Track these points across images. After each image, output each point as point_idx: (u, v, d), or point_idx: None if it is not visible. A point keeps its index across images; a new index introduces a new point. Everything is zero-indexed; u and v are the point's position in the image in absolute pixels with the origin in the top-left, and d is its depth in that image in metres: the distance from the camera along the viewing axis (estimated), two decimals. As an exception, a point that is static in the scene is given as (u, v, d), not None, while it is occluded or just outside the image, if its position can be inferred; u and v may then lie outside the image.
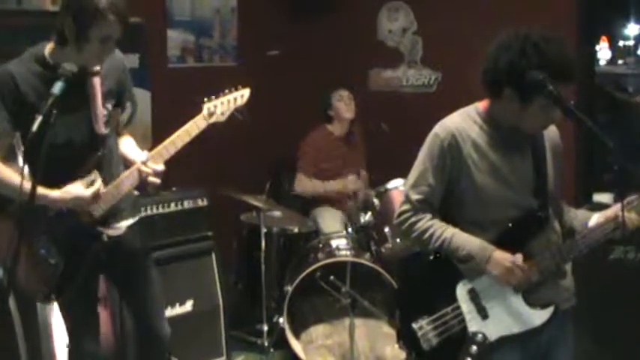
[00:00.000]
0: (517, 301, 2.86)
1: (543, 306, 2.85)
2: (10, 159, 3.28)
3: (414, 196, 2.93)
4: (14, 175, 3.12)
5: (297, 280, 4.75)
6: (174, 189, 4.83)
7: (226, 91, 3.27)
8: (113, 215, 3.35)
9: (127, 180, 3.29)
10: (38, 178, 2.78)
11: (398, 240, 4.76)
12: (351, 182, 5.58)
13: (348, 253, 4.87)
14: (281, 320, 4.93)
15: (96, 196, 3.21)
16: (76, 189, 3.17)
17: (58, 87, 2.88)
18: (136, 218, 3.51)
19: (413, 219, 2.94)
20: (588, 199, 4.85)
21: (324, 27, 6.69)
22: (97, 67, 3.24)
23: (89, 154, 3.26)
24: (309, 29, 6.74)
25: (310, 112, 5.95)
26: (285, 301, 4.84)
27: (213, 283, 4.83)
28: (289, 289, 4.80)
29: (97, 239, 3.29)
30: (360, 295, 4.54)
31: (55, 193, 3.14)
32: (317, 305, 4.99)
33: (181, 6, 5.98)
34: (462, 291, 2.91)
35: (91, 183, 3.22)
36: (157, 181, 3.16)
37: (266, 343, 5.02)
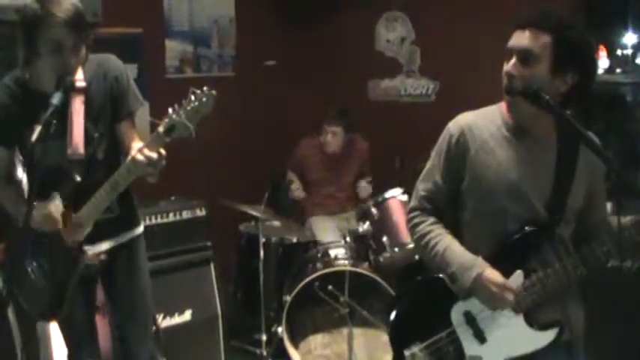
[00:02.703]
0: (518, 323, 2.70)
1: (547, 327, 2.70)
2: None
3: (421, 192, 2.86)
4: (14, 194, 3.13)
5: (295, 290, 4.75)
6: (173, 199, 4.84)
7: (190, 97, 2.81)
8: (92, 237, 3.18)
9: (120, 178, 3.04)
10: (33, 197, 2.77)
11: (396, 249, 4.76)
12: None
13: (347, 262, 4.87)
14: (280, 330, 4.92)
15: (67, 219, 3.10)
16: (46, 209, 3.09)
17: (57, 97, 2.87)
18: (117, 242, 3.34)
19: (417, 219, 2.86)
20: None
21: (322, 37, 6.71)
22: (81, 84, 3.11)
23: (64, 180, 3.12)
24: (307, 40, 6.76)
25: (308, 122, 5.96)
26: (283, 311, 4.83)
27: (212, 292, 4.83)
28: (288, 298, 4.80)
29: (78, 261, 3.16)
30: (359, 305, 4.54)
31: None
32: (315, 315, 4.99)
33: (180, 16, 5.99)
34: (457, 314, 2.76)
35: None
36: (152, 169, 2.89)
37: (265, 353, 5.01)
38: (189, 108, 2.78)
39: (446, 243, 2.77)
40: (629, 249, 2.64)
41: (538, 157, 2.70)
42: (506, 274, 2.69)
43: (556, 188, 2.68)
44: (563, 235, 2.74)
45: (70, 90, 3.05)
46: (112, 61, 3.26)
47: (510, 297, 2.65)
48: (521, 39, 2.61)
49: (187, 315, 4.68)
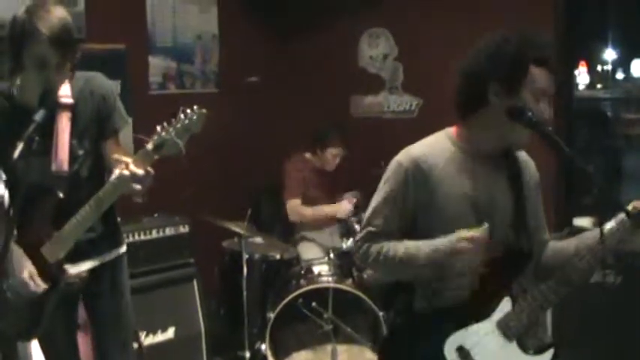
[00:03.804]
0: (513, 351, 2.61)
1: (543, 349, 2.64)
2: None
3: (371, 228, 2.75)
4: None
5: (279, 307, 4.74)
6: (156, 215, 4.82)
7: (180, 116, 2.78)
8: (74, 257, 3.13)
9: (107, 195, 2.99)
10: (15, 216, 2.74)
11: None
12: (345, 205, 5.57)
13: (330, 279, 4.87)
14: (263, 347, 4.91)
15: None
16: (25, 275, 3.01)
17: (40, 114, 2.85)
18: (100, 261, 3.30)
19: (365, 246, 2.77)
20: (568, 223, 4.88)
21: (305, 54, 6.72)
22: (68, 101, 3.08)
23: (49, 196, 3.07)
24: (290, 56, 6.77)
25: (291, 138, 5.96)
26: (267, 328, 4.82)
27: (195, 309, 4.82)
28: (271, 315, 4.79)
29: (59, 279, 3.09)
30: (342, 321, 4.54)
31: (15, 259, 3.02)
32: (299, 331, 4.98)
33: (163, 32, 5.99)
34: (450, 352, 2.63)
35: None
36: (138, 187, 2.81)
37: (248, 370, 5.00)
38: (178, 126, 2.76)
39: (401, 244, 2.69)
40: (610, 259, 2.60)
41: (493, 178, 2.70)
42: (495, 303, 2.64)
43: (515, 209, 2.69)
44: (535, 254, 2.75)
45: (54, 107, 3.02)
46: (100, 79, 3.24)
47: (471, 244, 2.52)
48: (547, 80, 2.61)
49: (170, 332, 4.67)
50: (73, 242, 3.08)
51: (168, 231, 4.75)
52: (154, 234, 4.65)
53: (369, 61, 6.50)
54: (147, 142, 2.80)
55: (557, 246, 2.86)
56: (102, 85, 3.22)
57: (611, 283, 3.54)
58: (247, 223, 5.06)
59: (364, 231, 2.78)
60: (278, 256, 5.37)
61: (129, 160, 2.83)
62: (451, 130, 2.78)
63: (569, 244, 2.78)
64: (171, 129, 2.76)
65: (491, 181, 2.70)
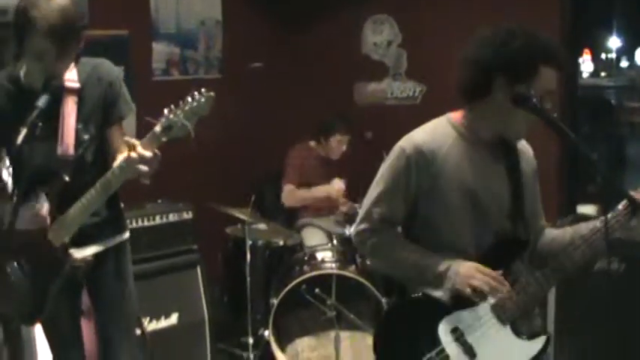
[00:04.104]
0: (505, 334, 2.64)
1: (535, 334, 2.67)
2: None
3: (375, 215, 2.75)
4: None
5: (282, 293, 4.75)
6: (159, 202, 4.82)
7: (187, 99, 2.81)
8: (79, 241, 3.16)
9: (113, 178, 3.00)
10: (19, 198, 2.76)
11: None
12: (336, 184, 5.58)
13: (334, 265, 4.87)
14: (266, 333, 4.91)
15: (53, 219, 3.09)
16: (34, 208, 3.07)
17: (43, 100, 2.86)
18: (105, 246, 3.30)
19: (374, 239, 2.77)
20: (572, 211, 4.88)
21: (308, 40, 6.71)
22: (74, 85, 3.09)
23: (54, 179, 3.08)
24: (294, 42, 6.76)
25: (295, 124, 5.97)
26: (270, 314, 4.82)
27: (198, 295, 4.82)
28: (275, 301, 4.79)
29: (63, 263, 3.12)
30: (346, 308, 4.54)
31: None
32: (302, 318, 4.99)
33: (166, 18, 5.98)
34: (444, 333, 2.66)
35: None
36: (145, 168, 2.83)
37: (251, 356, 5.00)
38: (186, 108, 2.77)
39: (416, 252, 2.72)
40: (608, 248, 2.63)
41: (492, 167, 2.72)
42: None
43: (513, 196, 2.72)
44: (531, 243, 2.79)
45: (60, 91, 3.03)
46: (107, 65, 3.24)
47: (485, 278, 2.59)
48: (554, 80, 2.63)
49: (174, 318, 4.67)
50: (78, 226, 3.09)
51: (172, 217, 4.74)
52: (158, 220, 4.65)
53: (373, 48, 6.49)
54: (155, 125, 2.81)
55: (554, 233, 2.90)
56: (109, 72, 3.21)
57: (615, 271, 3.54)
58: (251, 210, 5.06)
59: (368, 218, 2.77)
60: (281, 243, 5.37)
61: (137, 142, 2.84)
62: (452, 116, 2.78)
63: (565, 232, 2.83)
64: (179, 111, 2.77)
65: (489, 170, 2.72)
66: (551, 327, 4.26)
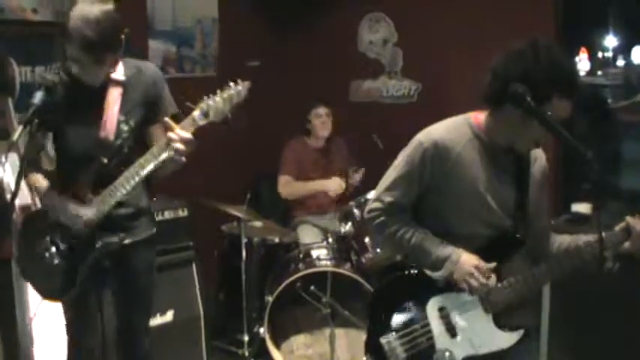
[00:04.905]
0: (487, 323, 2.85)
1: (512, 328, 2.86)
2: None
3: (387, 198, 2.93)
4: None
5: (277, 290, 4.76)
6: (155, 199, 4.82)
7: (224, 88, 3.13)
8: (110, 228, 3.30)
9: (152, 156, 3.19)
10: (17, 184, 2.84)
11: (378, 250, 4.77)
12: (336, 182, 5.58)
13: (329, 263, 4.88)
14: (262, 330, 4.93)
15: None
16: (73, 209, 3.21)
17: (38, 97, 2.92)
18: (134, 238, 3.43)
19: (384, 217, 2.94)
20: (567, 209, 4.88)
21: (305, 38, 6.72)
22: (120, 77, 3.26)
23: (94, 163, 3.24)
24: (290, 40, 6.77)
25: (291, 122, 5.96)
26: (265, 311, 4.84)
27: (193, 293, 4.82)
28: (270, 299, 4.80)
29: (94, 247, 3.27)
30: (341, 305, 4.55)
31: (59, 202, 3.25)
32: (297, 315, 5.00)
33: (163, 16, 5.98)
34: (432, 309, 2.89)
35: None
36: (182, 147, 3.07)
37: (247, 354, 5.02)
38: (225, 95, 3.08)
39: (422, 234, 2.90)
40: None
41: (502, 170, 2.86)
42: None
43: (518, 198, 2.87)
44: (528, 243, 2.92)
45: (106, 82, 3.23)
46: (152, 66, 3.48)
47: (482, 279, 2.78)
48: (566, 110, 2.71)
49: (169, 315, 4.67)
50: (112, 204, 3.24)
51: (168, 214, 4.75)
52: (153, 217, 4.65)
53: (369, 46, 6.50)
54: (193, 110, 3.07)
55: (557, 239, 3.03)
56: (154, 72, 3.43)
57: (609, 270, 3.57)
58: (246, 207, 5.07)
59: (382, 200, 2.94)
60: (277, 240, 5.39)
61: (174, 126, 3.08)
62: (472, 117, 2.90)
63: (564, 240, 3.00)
64: (217, 97, 3.07)
65: (499, 173, 2.86)
66: (545, 322, 4.29)
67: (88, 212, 3.20)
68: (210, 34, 6.37)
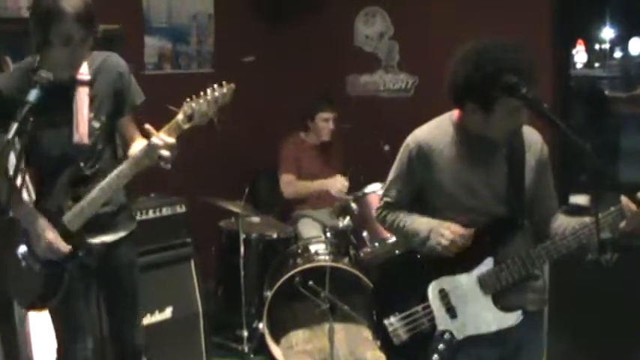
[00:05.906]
0: (486, 303, 2.95)
1: (511, 309, 2.94)
2: None
3: (386, 199, 3.19)
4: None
5: (276, 286, 4.76)
6: (152, 195, 4.82)
7: (208, 90, 3.06)
8: (91, 229, 3.28)
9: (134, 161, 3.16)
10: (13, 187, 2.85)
11: (376, 244, 4.77)
12: (339, 181, 5.56)
13: (327, 257, 4.88)
14: (261, 326, 4.93)
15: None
16: (49, 238, 3.16)
17: (33, 94, 2.90)
18: (117, 235, 3.43)
19: (385, 212, 3.20)
20: (564, 201, 4.88)
21: (301, 33, 6.70)
22: (85, 77, 3.23)
23: (69, 166, 3.22)
24: (286, 35, 6.76)
25: (288, 118, 5.96)
26: (264, 307, 4.84)
27: (192, 289, 4.82)
28: (268, 294, 4.80)
29: (78, 248, 3.23)
30: (340, 300, 4.55)
31: (36, 226, 3.18)
32: (296, 310, 5.00)
33: (158, 12, 5.96)
34: (433, 291, 3.02)
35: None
36: (167, 153, 3.04)
37: (246, 349, 5.02)
38: (208, 97, 3.03)
39: (412, 217, 3.09)
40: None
41: (489, 159, 2.96)
42: (478, 260, 2.97)
43: (510, 183, 2.95)
44: (526, 226, 3.02)
45: (72, 84, 3.20)
46: (116, 57, 3.42)
47: (452, 236, 2.89)
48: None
49: (168, 312, 4.67)
50: (93, 212, 3.22)
51: (165, 211, 4.74)
52: (151, 214, 4.64)
53: (365, 40, 6.49)
54: (177, 113, 3.04)
55: (558, 219, 3.07)
56: (119, 64, 3.39)
57: (607, 260, 3.59)
58: (244, 203, 5.07)
59: (383, 200, 3.21)
60: (275, 236, 5.38)
61: (154, 130, 3.06)
62: (454, 114, 3.01)
63: (563, 221, 3.03)
64: (201, 100, 3.01)
65: (487, 163, 2.96)
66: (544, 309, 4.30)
67: (60, 243, 3.17)
68: (206, 30, 6.35)
